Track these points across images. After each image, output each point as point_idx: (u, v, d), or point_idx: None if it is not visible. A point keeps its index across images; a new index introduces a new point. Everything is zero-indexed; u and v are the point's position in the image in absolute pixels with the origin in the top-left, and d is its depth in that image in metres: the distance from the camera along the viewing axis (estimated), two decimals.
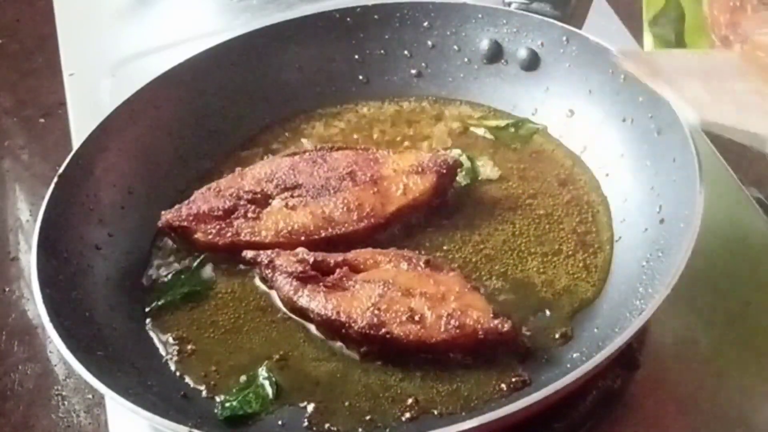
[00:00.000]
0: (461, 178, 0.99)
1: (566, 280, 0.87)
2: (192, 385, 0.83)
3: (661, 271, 0.79)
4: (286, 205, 0.94)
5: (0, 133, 2.23)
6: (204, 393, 0.82)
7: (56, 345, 0.76)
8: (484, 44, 1.09)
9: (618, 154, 0.96)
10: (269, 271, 0.89)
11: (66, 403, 2.09)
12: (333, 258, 0.89)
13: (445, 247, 0.93)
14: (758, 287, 0.92)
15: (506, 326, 0.80)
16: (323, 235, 0.92)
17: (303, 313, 0.86)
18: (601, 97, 1.00)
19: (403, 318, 0.81)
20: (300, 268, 0.87)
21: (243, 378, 0.82)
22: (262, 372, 0.82)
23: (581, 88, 1.02)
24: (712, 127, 0.79)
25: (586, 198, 0.96)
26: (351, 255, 0.89)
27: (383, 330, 0.81)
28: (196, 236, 0.94)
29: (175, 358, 0.85)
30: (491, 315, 0.81)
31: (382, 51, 1.13)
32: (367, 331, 0.81)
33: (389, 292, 0.84)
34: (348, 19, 1.12)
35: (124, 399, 0.72)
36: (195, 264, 0.94)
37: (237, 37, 1.11)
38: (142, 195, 1.00)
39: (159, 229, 0.96)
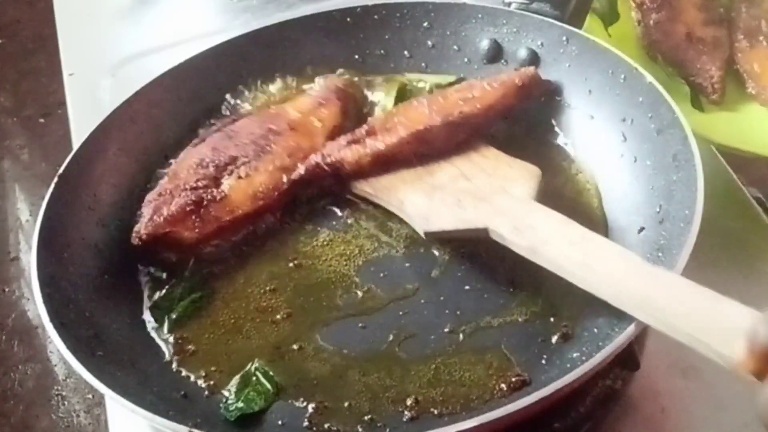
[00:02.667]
0: None
1: (566, 279, 0.87)
2: (192, 385, 0.83)
3: None
4: (240, 176, 0.96)
5: (0, 133, 2.23)
6: (205, 393, 0.82)
7: (56, 345, 0.76)
8: (484, 44, 1.09)
9: (618, 154, 0.96)
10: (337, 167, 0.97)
11: (66, 403, 2.09)
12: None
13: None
14: (758, 287, 0.92)
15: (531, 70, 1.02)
16: (285, 181, 0.96)
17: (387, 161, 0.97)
18: (601, 97, 1.00)
19: (460, 102, 0.99)
20: (348, 138, 0.98)
21: (237, 378, 0.82)
22: (254, 370, 0.82)
23: (581, 88, 1.02)
24: (437, 234, 0.90)
25: (585, 199, 0.96)
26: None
27: (457, 113, 0.97)
28: (184, 236, 0.92)
29: (175, 358, 0.85)
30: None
31: (382, 51, 1.13)
32: (450, 120, 0.97)
33: (431, 103, 1.00)
34: (348, 19, 1.12)
35: (124, 399, 0.72)
36: (197, 273, 0.93)
37: (237, 37, 1.12)
38: (142, 195, 0.99)
39: (141, 250, 0.93)
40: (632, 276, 0.73)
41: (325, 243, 0.94)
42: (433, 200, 0.92)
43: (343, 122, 1.04)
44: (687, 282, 0.70)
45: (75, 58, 1.37)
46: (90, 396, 2.07)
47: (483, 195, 0.90)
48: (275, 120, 1.03)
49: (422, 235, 0.90)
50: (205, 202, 0.94)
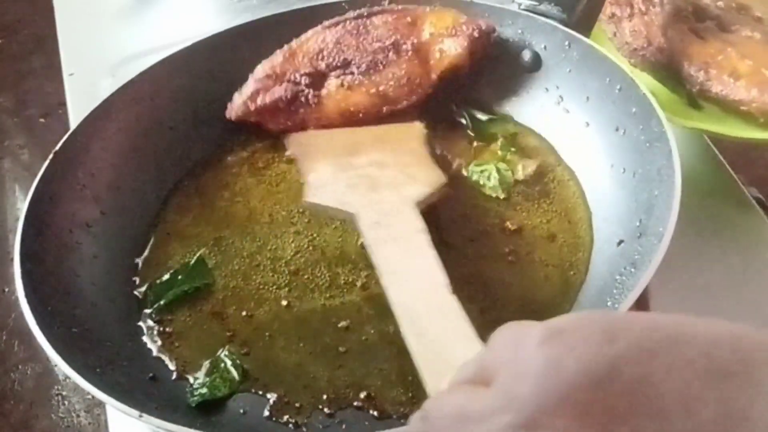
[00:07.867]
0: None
1: (541, 289, 0.86)
2: (163, 367, 0.82)
3: (629, 286, 0.76)
4: (342, 85, 0.99)
5: (0, 133, 2.24)
6: (173, 376, 0.81)
7: (26, 318, 0.76)
8: None
9: (609, 163, 0.94)
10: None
11: (66, 403, 2.09)
12: None
13: None
14: (759, 288, 0.90)
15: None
16: (383, 110, 1.00)
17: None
18: (597, 104, 0.98)
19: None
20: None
21: (206, 364, 0.82)
22: (223, 356, 0.82)
23: (580, 95, 1.00)
24: (313, 205, 0.93)
25: (571, 206, 0.94)
26: None
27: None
28: (269, 126, 1.01)
29: (150, 340, 0.85)
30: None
31: None
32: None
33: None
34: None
35: (81, 378, 0.72)
36: (193, 261, 0.93)
37: (247, 22, 1.12)
38: (139, 176, 1.00)
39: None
40: (424, 290, 0.75)
41: (321, 234, 0.94)
42: (336, 178, 0.94)
43: (464, 62, 1.02)
44: (464, 319, 0.70)
45: (75, 58, 1.37)
46: (90, 396, 2.07)
47: (378, 185, 0.92)
48: (407, 31, 1.04)
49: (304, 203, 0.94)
50: (298, 102, 0.99)
